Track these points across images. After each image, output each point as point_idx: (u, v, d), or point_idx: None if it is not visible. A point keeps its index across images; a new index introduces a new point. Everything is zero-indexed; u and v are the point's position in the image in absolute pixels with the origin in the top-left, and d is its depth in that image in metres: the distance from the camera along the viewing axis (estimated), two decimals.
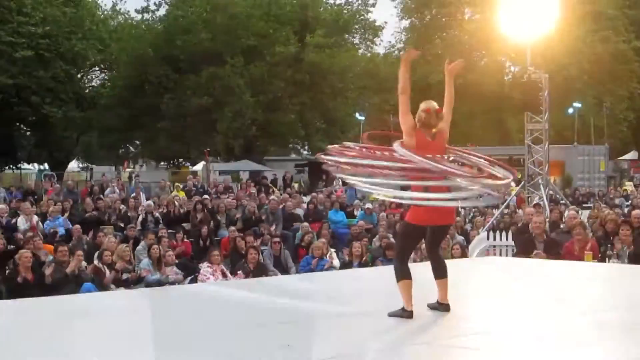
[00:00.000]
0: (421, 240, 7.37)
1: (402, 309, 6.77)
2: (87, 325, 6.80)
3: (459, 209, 24.14)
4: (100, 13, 56.58)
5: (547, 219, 16.52)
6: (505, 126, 56.12)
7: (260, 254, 14.71)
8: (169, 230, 17.79)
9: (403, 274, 6.88)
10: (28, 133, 49.61)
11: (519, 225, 16.52)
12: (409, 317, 6.72)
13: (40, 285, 11.86)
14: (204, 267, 13.86)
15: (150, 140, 51.04)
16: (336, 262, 15.31)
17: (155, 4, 53.82)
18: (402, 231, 7.50)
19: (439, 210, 6.89)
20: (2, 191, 27.09)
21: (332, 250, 16.16)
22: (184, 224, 19.57)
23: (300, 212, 22.46)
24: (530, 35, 23.21)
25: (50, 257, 13.66)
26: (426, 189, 6.74)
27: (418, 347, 5.90)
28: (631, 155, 56.98)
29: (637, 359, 5.44)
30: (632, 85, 53.59)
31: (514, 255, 14.40)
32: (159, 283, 13.49)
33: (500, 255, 15.95)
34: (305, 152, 60.19)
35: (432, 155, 6.70)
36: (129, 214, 21.03)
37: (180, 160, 56.95)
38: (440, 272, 7.04)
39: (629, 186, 39.70)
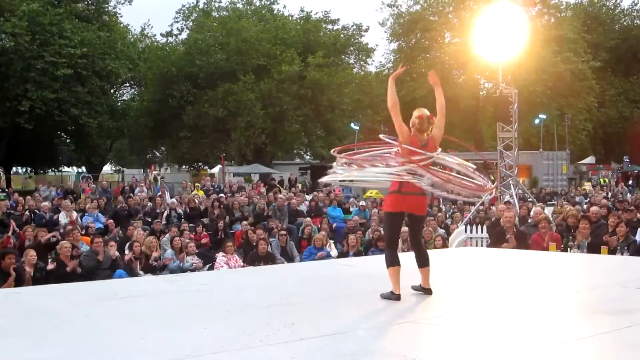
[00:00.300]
0: (402, 225, 7.29)
1: (391, 292, 6.76)
2: (119, 305, 6.81)
3: (440, 206, 24.19)
4: (131, 37, 56.74)
5: (517, 215, 16.52)
6: (480, 135, 56.17)
7: (269, 245, 14.69)
8: (190, 224, 17.80)
9: (392, 261, 6.85)
10: (68, 140, 49.61)
11: (492, 219, 16.52)
12: (397, 299, 6.70)
13: (80, 272, 11.86)
14: (220, 256, 13.85)
15: (174, 147, 51.08)
16: (334, 252, 15.30)
17: (177, 29, 54.09)
18: (384, 221, 7.41)
19: (412, 199, 6.85)
20: (52, 190, 27.00)
21: (331, 241, 16.17)
22: (203, 219, 19.58)
23: (303, 208, 22.47)
24: (501, 55, 23.20)
25: (87, 248, 13.66)
26: (400, 184, 6.75)
27: (403, 325, 5.89)
28: (589, 159, 57.06)
29: (599, 333, 5.44)
30: (590, 99, 53.64)
31: (488, 246, 14.39)
32: (181, 270, 13.50)
33: (476, 246, 15.94)
34: (307, 157, 60.28)
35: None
36: (156, 210, 21.07)
37: (200, 163, 56.95)
38: (422, 261, 6.99)
39: (587, 186, 39.67)
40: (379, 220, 19.11)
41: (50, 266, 11.74)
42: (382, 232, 16.61)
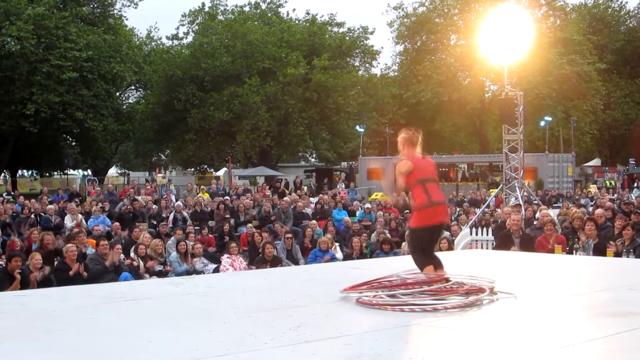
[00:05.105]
0: (430, 237, 7.22)
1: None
2: (125, 308, 6.82)
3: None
4: (136, 40, 56.89)
5: (523, 217, 16.51)
6: (485, 137, 56.19)
7: (275, 248, 14.70)
8: (195, 227, 17.82)
9: (423, 263, 6.99)
10: (73, 143, 49.76)
11: (498, 222, 16.51)
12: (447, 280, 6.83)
13: (86, 275, 11.89)
14: (224, 258, 13.87)
15: (179, 149, 51.24)
16: (339, 255, 15.31)
17: (183, 32, 54.20)
18: (416, 237, 7.20)
19: (443, 208, 7.05)
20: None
21: (337, 244, 16.16)
22: (209, 222, 19.61)
23: (308, 211, 22.48)
24: (507, 58, 23.20)
25: (93, 250, 13.69)
26: (428, 195, 6.83)
27: (409, 328, 5.89)
28: (595, 162, 57.03)
29: (605, 336, 5.43)
30: (595, 101, 53.62)
31: (493, 249, 14.37)
32: (186, 273, 13.52)
33: (482, 248, 15.92)
34: (313, 160, 60.29)
35: (430, 170, 6.97)
36: (161, 214, 21.09)
37: (205, 166, 57.07)
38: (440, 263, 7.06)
39: (593, 188, 39.63)
40: (383, 222, 19.14)
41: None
42: (388, 235, 16.65)
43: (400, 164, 6.93)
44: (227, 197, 24.86)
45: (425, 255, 7.07)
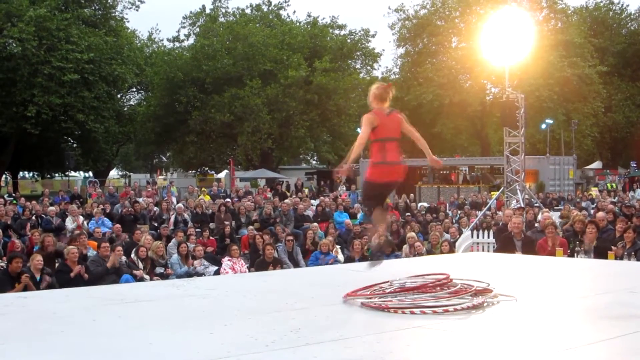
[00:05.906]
0: (380, 191, 7.61)
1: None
2: (126, 310, 6.81)
3: (447, 211, 24.15)
4: (137, 42, 56.93)
5: (523, 220, 16.48)
6: (486, 140, 56.15)
7: (276, 250, 14.69)
8: (196, 229, 17.82)
9: (370, 211, 7.54)
10: (75, 145, 49.81)
11: (499, 225, 16.50)
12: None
13: (87, 277, 11.89)
14: (225, 260, 13.86)
15: (180, 152, 51.28)
16: (340, 257, 15.30)
17: (184, 34, 54.24)
18: (366, 187, 7.78)
19: (398, 168, 7.32)
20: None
21: (338, 246, 16.15)
22: (210, 224, 19.60)
23: (309, 213, 22.47)
24: (508, 60, 23.22)
25: (94, 252, 13.69)
26: (383, 154, 7.17)
27: (409, 330, 5.88)
28: (596, 164, 57.01)
29: (607, 339, 5.42)
30: (596, 104, 53.62)
31: (494, 251, 14.35)
32: (187, 275, 13.52)
33: (483, 251, 15.90)
34: (314, 162, 60.29)
35: (393, 128, 7.33)
36: (162, 216, 21.09)
37: (206, 168, 57.07)
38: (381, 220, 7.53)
39: (594, 191, 39.57)
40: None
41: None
42: (390, 237, 16.65)
43: (367, 116, 7.41)
44: (228, 200, 24.85)
45: (374, 206, 7.51)
